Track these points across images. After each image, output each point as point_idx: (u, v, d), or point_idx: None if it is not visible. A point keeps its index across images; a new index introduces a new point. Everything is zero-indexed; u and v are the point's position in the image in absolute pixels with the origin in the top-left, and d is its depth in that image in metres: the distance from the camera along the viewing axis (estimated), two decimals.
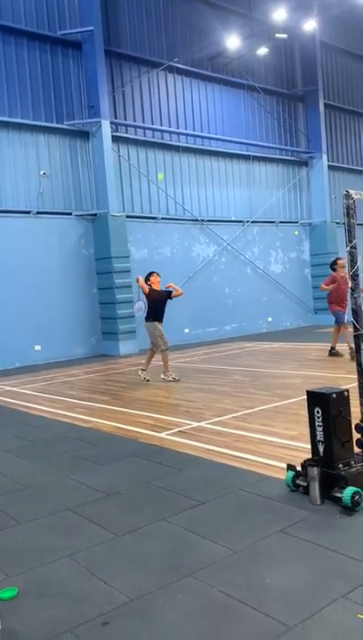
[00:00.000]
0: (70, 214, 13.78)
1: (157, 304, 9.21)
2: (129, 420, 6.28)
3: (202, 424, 5.82)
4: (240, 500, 3.67)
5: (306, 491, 3.57)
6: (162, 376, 9.01)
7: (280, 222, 18.32)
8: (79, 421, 6.47)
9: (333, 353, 10.32)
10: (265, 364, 10.09)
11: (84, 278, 13.95)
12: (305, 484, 3.58)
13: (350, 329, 9.21)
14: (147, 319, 9.29)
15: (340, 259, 10.51)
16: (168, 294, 9.36)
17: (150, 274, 9.44)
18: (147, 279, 9.35)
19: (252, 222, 17.41)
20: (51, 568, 2.95)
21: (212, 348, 13.64)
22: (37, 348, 13.03)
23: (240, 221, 17.21)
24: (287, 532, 3.15)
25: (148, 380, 8.97)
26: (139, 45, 15.05)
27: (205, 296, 16.03)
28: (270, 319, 17.73)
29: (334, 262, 10.67)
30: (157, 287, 9.32)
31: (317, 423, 3.60)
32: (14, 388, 9.51)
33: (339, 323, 10.30)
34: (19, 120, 12.99)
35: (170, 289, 9.39)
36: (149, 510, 3.63)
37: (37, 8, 13.38)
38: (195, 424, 5.84)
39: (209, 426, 5.72)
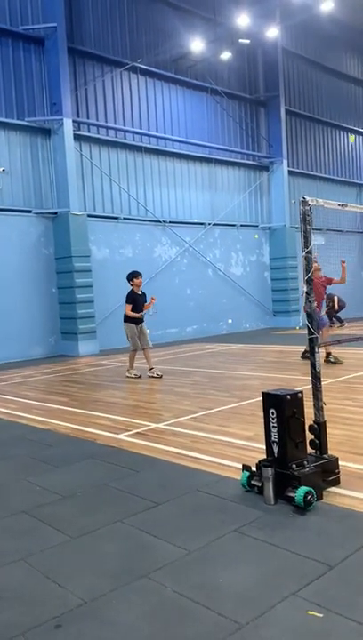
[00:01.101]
0: (30, 212, 13.58)
1: (141, 307, 9.47)
2: (87, 422, 6.25)
3: (160, 425, 5.84)
4: (196, 501, 3.70)
5: (261, 491, 3.64)
6: (127, 374, 9.43)
7: (241, 225, 18.53)
8: (36, 423, 6.39)
9: (330, 360, 9.63)
10: (225, 366, 10.19)
11: (44, 277, 13.76)
12: (260, 484, 3.65)
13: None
14: (138, 322, 9.40)
15: (315, 262, 10.51)
16: (144, 299, 9.55)
17: (136, 275, 9.46)
18: (131, 279, 9.43)
19: (213, 225, 17.55)
20: (4, 572, 2.91)
21: (172, 350, 13.67)
22: None
23: (202, 224, 17.32)
24: (241, 531, 3.20)
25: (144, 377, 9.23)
26: (103, 44, 14.96)
27: (167, 297, 16.02)
28: (230, 321, 17.90)
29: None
30: (138, 291, 9.50)
31: (272, 424, 3.67)
32: None
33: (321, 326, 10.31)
34: None
35: (147, 299, 9.55)
36: (104, 512, 3.62)
37: None
38: (153, 425, 5.86)
39: (167, 427, 5.75)
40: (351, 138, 18.58)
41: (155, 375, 9.15)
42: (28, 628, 2.39)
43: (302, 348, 10.69)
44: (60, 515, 3.63)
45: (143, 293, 9.58)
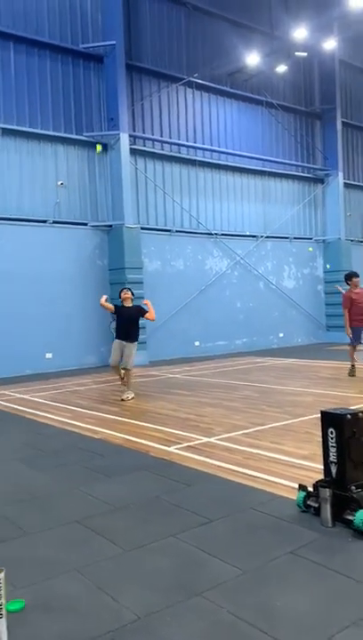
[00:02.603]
0: (86, 225, 13.89)
1: (126, 321, 8.71)
2: (138, 433, 6.26)
3: (212, 440, 5.78)
4: (250, 519, 3.63)
5: (317, 512, 3.53)
6: (123, 396, 8.61)
7: (294, 238, 18.33)
8: (88, 432, 6.46)
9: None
10: (276, 381, 10.04)
11: (98, 288, 13.99)
12: (317, 505, 3.54)
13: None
14: (121, 337, 8.72)
15: (356, 276, 10.32)
16: (140, 311, 8.85)
17: (121, 289, 9.03)
18: (118, 295, 8.98)
19: (266, 237, 17.43)
20: (58, 581, 2.93)
21: (222, 362, 13.60)
22: (48, 355, 13.08)
23: (254, 236, 17.24)
24: (298, 553, 3.11)
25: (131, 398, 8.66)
26: (159, 60, 15.24)
27: (217, 310, 16.03)
28: (281, 335, 17.67)
29: (350, 277, 10.40)
30: (128, 304, 8.83)
31: (330, 444, 3.56)
32: (24, 396, 9.53)
33: (355, 342, 10.17)
34: (39, 131, 13.17)
35: (145, 306, 8.88)
36: (157, 526, 3.59)
37: (61, 22, 13.61)
38: (204, 439, 5.81)
39: (219, 442, 5.68)
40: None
41: (123, 397, 8.61)
42: None
43: (342, 364, 10.48)
44: (113, 526, 3.63)
45: (135, 307, 8.92)
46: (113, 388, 10.03)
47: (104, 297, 9.10)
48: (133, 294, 9.02)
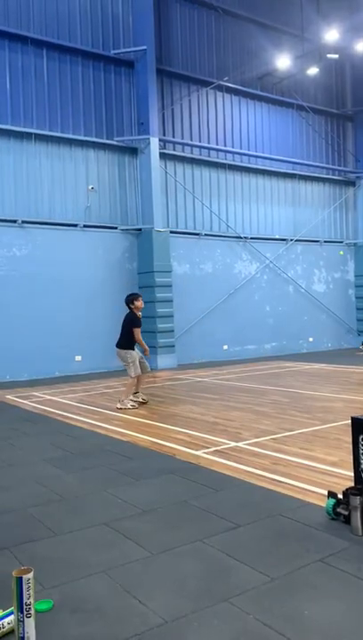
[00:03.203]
0: (116, 228, 14.01)
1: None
2: (165, 436, 6.27)
3: (240, 444, 5.75)
4: (279, 526, 3.58)
5: (347, 520, 3.46)
6: (119, 405, 8.27)
7: (325, 242, 18.13)
8: (116, 434, 6.50)
9: None
10: (306, 386, 9.92)
11: (127, 291, 14.00)
12: (347, 512, 3.47)
13: None
14: (128, 347, 8.47)
15: None
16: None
17: (136, 297, 8.62)
18: (132, 302, 8.56)
19: (295, 241, 17.29)
20: (86, 583, 2.94)
21: (251, 367, 13.51)
22: (78, 358, 13.22)
23: (284, 239, 17.12)
24: (327, 562, 3.05)
25: (146, 401, 8.58)
26: (190, 64, 15.29)
27: (246, 313, 15.96)
28: (311, 339, 17.48)
29: None
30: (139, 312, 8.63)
31: (361, 451, 3.49)
32: (54, 398, 9.65)
33: None
34: (70, 135, 13.36)
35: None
36: (185, 530, 3.58)
37: (93, 28, 13.80)
38: (232, 444, 5.78)
39: (247, 446, 5.64)
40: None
41: (140, 399, 8.51)
42: None
43: None
44: (141, 529, 3.64)
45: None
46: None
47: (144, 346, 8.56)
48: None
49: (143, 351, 8.59)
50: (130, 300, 8.64)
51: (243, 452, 5.42)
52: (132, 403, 8.31)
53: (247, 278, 16.17)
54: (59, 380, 12.20)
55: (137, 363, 8.41)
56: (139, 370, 8.43)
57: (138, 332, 8.41)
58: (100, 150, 13.92)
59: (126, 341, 8.46)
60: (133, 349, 8.53)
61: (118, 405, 8.27)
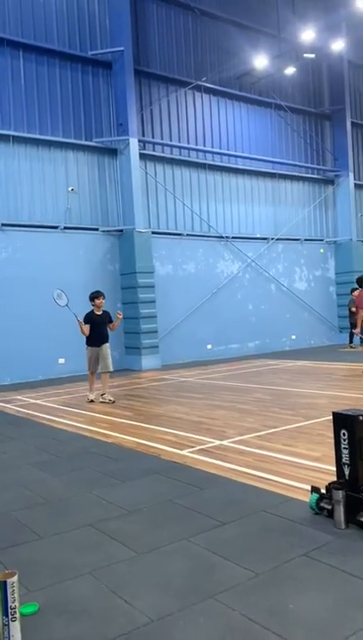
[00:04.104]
0: (97, 230, 13.97)
1: (101, 328, 9.01)
2: (150, 436, 6.27)
3: (224, 442, 5.78)
4: (263, 522, 3.61)
5: (330, 514, 3.51)
6: (101, 399, 8.95)
7: (305, 240, 18.28)
8: (101, 436, 6.49)
9: None
10: (289, 383, 10.00)
11: (109, 293, 13.96)
12: (330, 507, 3.52)
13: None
14: (97, 344, 8.97)
15: None
16: (109, 318, 9.18)
17: (97, 295, 9.11)
18: (91, 300, 9.10)
19: (276, 239, 17.41)
20: (72, 584, 2.94)
21: (234, 365, 13.57)
22: (61, 361, 13.15)
23: (265, 238, 17.22)
24: (311, 556, 3.09)
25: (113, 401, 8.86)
26: (167, 65, 15.31)
27: (229, 313, 16.02)
28: (293, 337, 17.61)
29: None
30: (99, 311, 9.08)
31: (342, 445, 3.54)
32: (37, 401, 9.59)
33: None
34: (49, 137, 13.29)
35: (112, 316, 9.21)
36: (170, 529, 3.60)
37: (70, 29, 13.74)
38: (217, 442, 5.80)
39: (231, 444, 5.68)
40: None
41: (106, 400, 8.84)
42: None
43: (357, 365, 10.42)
44: (126, 530, 3.64)
45: (105, 313, 9.19)
46: (125, 393, 10.06)
47: (80, 324, 8.92)
48: (104, 298, 9.25)
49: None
50: (89, 297, 9.25)
51: (227, 450, 5.45)
52: (90, 396, 9.09)
53: (230, 278, 16.24)
54: (42, 383, 12.13)
55: (87, 359, 9.07)
56: (88, 366, 9.11)
57: (86, 329, 8.99)
58: (79, 152, 13.87)
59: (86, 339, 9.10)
60: (89, 345, 9.07)
61: (109, 398, 8.92)
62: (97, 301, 9.08)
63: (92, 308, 9.14)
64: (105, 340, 9.09)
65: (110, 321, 9.19)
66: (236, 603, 2.65)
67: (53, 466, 5.33)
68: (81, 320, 8.92)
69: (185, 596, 2.74)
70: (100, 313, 9.13)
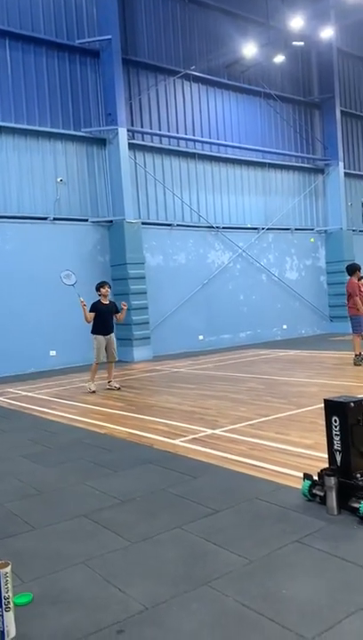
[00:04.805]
0: (87, 221, 13.88)
1: (107, 316, 9.22)
2: (143, 427, 6.28)
3: (216, 431, 5.79)
4: (256, 509, 3.63)
5: (323, 501, 3.53)
6: (108, 386, 9.29)
7: (296, 229, 18.28)
8: (94, 427, 6.48)
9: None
10: (281, 372, 10.03)
11: None
12: (322, 493, 3.54)
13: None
14: (104, 332, 9.15)
15: (358, 266, 10.60)
16: (116, 308, 9.36)
17: (102, 285, 9.29)
18: (97, 289, 9.28)
19: (267, 229, 17.39)
20: (65, 574, 2.94)
21: (226, 355, 13.60)
22: (53, 353, 13.11)
23: (255, 228, 17.20)
24: (304, 542, 3.11)
25: (118, 388, 9.15)
26: (156, 54, 15.16)
27: (220, 303, 16.02)
28: (285, 326, 17.65)
29: (353, 268, 10.63)
30: (105, 300, 9.28)
31: (334, 432, 3.55)
32: (29, 393, 9.56)
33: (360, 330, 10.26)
34: (37, 127, 13.15)
35: (119, 306, 9.38)
36: (163, 518, 3.61)
37: (56, 17, 13.56)
38: (209, 431, 5.82)
39: (224, 433, 5.69)
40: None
41: (113, 387, 9.11)
42: (91, 632, 2.40)
43: (346, 354, 10.44)
44: (120, 519, 3.65)
45: (112, 303, 9.43)
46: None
47: (83, 303, 9.00)
48: (110, 288, 9.45)
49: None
50: (95, 287, 9.38)
51: (220, 439, 5.47)
52: (92, 387, 9.08)
53: (221, 268, 16.22)
54: (34, 375, 12.09)
55: (96, 349, 9.13)
56: (99, 356, 9.14)
57: (90, 317, 9.10)
58: (67, 142, 13.74)
59: (92, 326, 9.21)
60: (97, 334, 9.19)
61: (117, 386, 9.18)
62: (102, 290, 9.24)
63: (99, 298, 9.28)
64: (111, 329, 9.31)
65: (117, 311, 9.37)
66: (229, 589, 2.67)
67: (46, 457, 5.32)
68: (86, 306, 9.01)
69: (179, 584, 2.75)
70: (106, 302, 9.30)
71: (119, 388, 9.12)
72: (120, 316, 9.39)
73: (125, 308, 9.44)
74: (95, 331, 9.21)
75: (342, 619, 2.37)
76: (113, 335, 9.36)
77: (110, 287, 9.45)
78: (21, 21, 13.00)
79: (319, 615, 2.41)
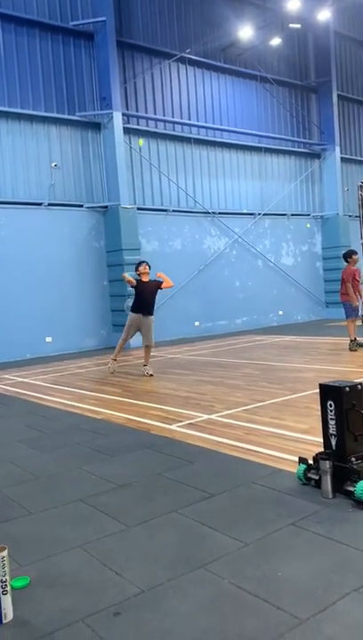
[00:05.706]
0: (82, 206, 13.79)
1: (147, 296, 8.86)
2: (140, 412, 6.29)
3: (213, 417, 5.81)
4: (251, 493, 3.66)
5: (318, 484, 3.56)
6: (143, 370, 9.02)
7: (292, 215, 18.21)
8: (90, 413, 6.50)
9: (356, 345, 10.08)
10: (277, 358, 10.06)
11: (95, 270, 13.96)
12: (317, 477, 3.56)
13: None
14: (141, 311, 8.85)
15: (355, 253, 10.61)
16: (158, 285, 8.98)
17: (139, 263, 9.03)
18: (136, 269, 9.02)
19: (263, 215, 17.32)
20: (62, 558, 2.96)
21: (222, 342, 13.61)
22: (48, 339, 13.10)
23: (252, 214, 17.13)
24: (299, 525, 3.14)
25: (151, 375, 8.86)
26: (151, 36, 14.96)
27: (216, 289, 16.00)
28: (281, 312, 17.67)
29: (350, 255, 10.61)
30: (146, 278, 8.92)
31: (329, 416, 3.57)
32: (25, 380, 9.57)
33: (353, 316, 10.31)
34: (31, 112, 13.00)
35: (160, 279, 8.98)
36: (160, 502, 3.63)
37: None
38: (205, 416, 5.84)
39: (220, 418, 5.71)
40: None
41: (145, 373, 8.86)
42: (88, 615, 2.42)
43: (342, 340, 10.47)
44: (116, 503, 3.67)
45: (153, 281, 8.99)
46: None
47: (125, 273, 9.13)
48: (149, 268, 9.01)
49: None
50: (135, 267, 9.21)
51: (216, 424, 5.49)
52: (110, 367, 9.27)
53: (217, 254, 16.18)
54: (30, 362, 12.08)
55: (127, 325, 9.02)
56: (125, 332, 9.07)
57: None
58: (62, 126, 13.59)
59: (154, 308, 9.04)
60: (132, 312, 9.01)
61: (150, 372, 8.85)
62: (140, 268, 8.88)
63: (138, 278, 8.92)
64: (149, 311, 8.89)
65: (160, 286, 8.96)
66: (225, 572, 2.69)
67: (43, 442, 5.34)
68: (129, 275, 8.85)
69: (175, 567, 2.77)
70: (147, 280, 8.91)
71: (151, 375, 8.75)
72: (165, 285, 8.96)
73: (161, 275, 9.00)
74: (132, 309, 8.97)
75: (337, 600, 2.40)
76: (151, 318, 8.92)
77: (149, 266, 8.98)
78: (14, 2, 12.78)
79: (314, 597, 2.44)
